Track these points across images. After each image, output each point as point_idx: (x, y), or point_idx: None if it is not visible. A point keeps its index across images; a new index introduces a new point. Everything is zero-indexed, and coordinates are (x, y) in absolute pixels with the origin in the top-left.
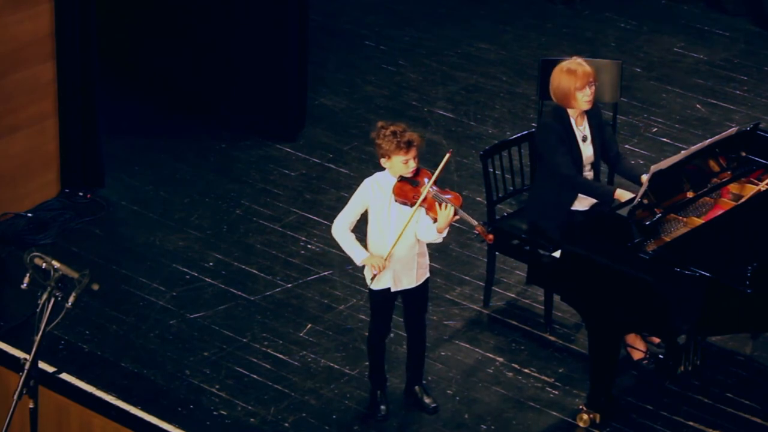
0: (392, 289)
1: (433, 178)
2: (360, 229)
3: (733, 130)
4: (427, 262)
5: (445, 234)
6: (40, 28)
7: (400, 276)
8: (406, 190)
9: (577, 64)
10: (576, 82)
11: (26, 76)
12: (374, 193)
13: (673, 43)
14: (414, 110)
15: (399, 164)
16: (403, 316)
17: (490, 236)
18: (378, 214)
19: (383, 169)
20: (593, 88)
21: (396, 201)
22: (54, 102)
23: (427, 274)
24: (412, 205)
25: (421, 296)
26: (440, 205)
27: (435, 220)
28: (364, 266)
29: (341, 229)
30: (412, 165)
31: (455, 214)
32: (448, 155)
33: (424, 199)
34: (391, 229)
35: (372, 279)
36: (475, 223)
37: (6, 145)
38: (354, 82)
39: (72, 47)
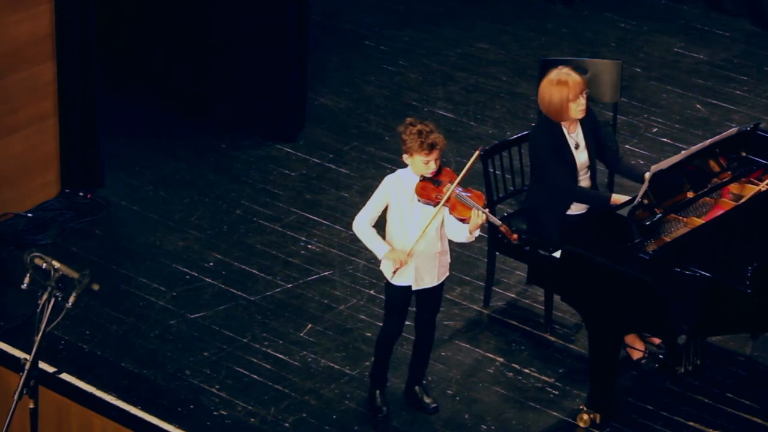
0: (413, 287)
1: (458, 179)
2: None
3: (733, 130)
4: (449, 260)
5: (477, 234)
6: (40, 28)
7: (422, 274)
8: (429, 189)
9: (566, 74)
10: (569, 92)
11: (26, 76)
12: (396, 190)
13: (673, 43)
14: (414, 110)
15: (420, 164)
16: (415, 316)
17: (515, 236)
18: (400, 212)
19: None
20: (585, 97)
21: (419, 201)
22: (54, 102)
23: (447, 273)
24: (435, 205)
25: (437, 296)
26: (466, 207)
27: (460, 220)
28: (381, 262)
29: (363, 224)
30: (433, 166)
31: (486, 219)
32: (477, 153)
33: (447, 200)
34: (414, 228)
35: (393, 273)
36: (499, 223)
37: (6, 145)
38: (354, 82)
39: (72, 47)
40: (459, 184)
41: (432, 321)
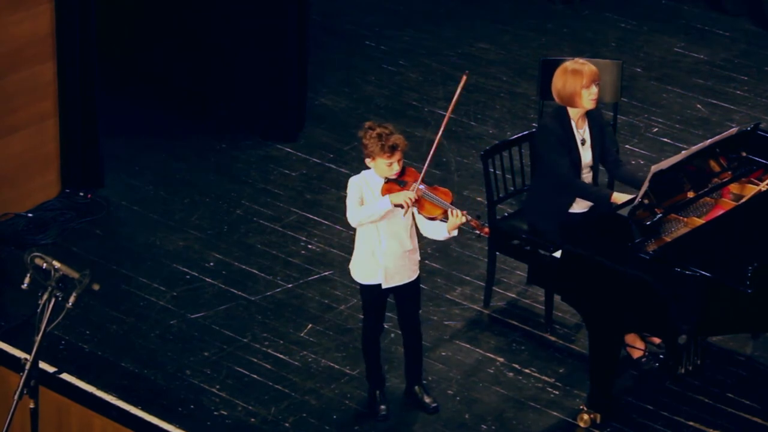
0: (383, 286)
1: (423, 173)
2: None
3: (733, 130)
4: (418, 258)
5: (455, 233)
6: (40, 28)
7: (391, 273)
8: (394, 191)
9: (581, 63)
10: (582, 80)
11: (26, 76)
12: (364, 189)
13: (673, 43)
14: (414, 110)
15: (383, 166)
16: (397, 315)
17: (486, 229)
18: None
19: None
20: (598, 87)
21: None
22: (54, 102)
23: (418, 271)
24: (403, 206)
25: (414, 293)
26: (435, 205)
27: (430, 219)
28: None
29: (356, 213)
30: (396, 168)
31: (466, 219)
32: (464, 78)
33: (415, 200)
34: (384, 227)
35: (404, 213)
36: (469, 218)
37: (6, 145)
38: (354, 82)
39: (72, 47)
40: (425, 182)
41: (414, 317)
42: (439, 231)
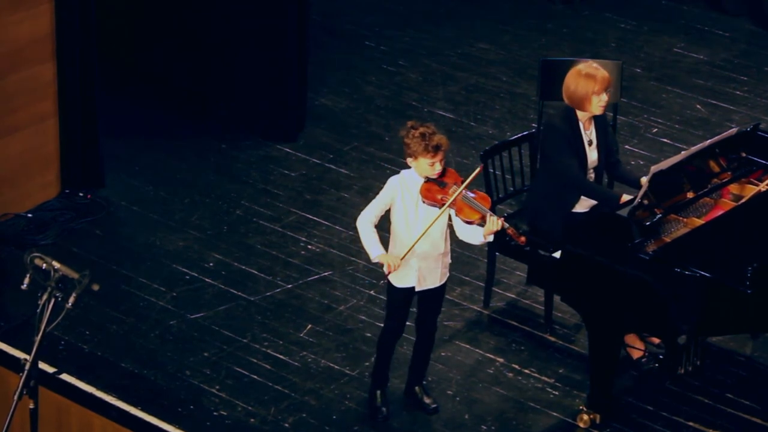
0: (416, 288)
1: (464, 185)
2: (382, 227)
3: (733, 130)
4: (449, 261)
5: (491, 239)
6: (40, 28)
7: (425, 275)
8: (433, 191)
9: (595, 68)
10: (595, 86)
11: (26, 76)
12: (402, 190)
13: (673, 43)
14: (414, 110)
15: (425, 166)
16: (416, 317)
17: (523, 238)
18: (406, 214)
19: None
20: (609, 94)
21: (424, 202)
22: (54, 102)
23: (447, 274)
24: (440, 207)
25: (439, 298)
26: (473, 209)
27: (467, 222)
28: (380, 263)
29: (366, 222)
30: (438, 168)
31: (503, 226)
32: (478, 170)
33: (453, 202)
34: (420, 229)
35: (385, 277)
36: (506, 225)
37: (6, 145)
38: (354, 82)
39: (72, 47)
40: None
41: (433, 322)
42: (474, 235)
